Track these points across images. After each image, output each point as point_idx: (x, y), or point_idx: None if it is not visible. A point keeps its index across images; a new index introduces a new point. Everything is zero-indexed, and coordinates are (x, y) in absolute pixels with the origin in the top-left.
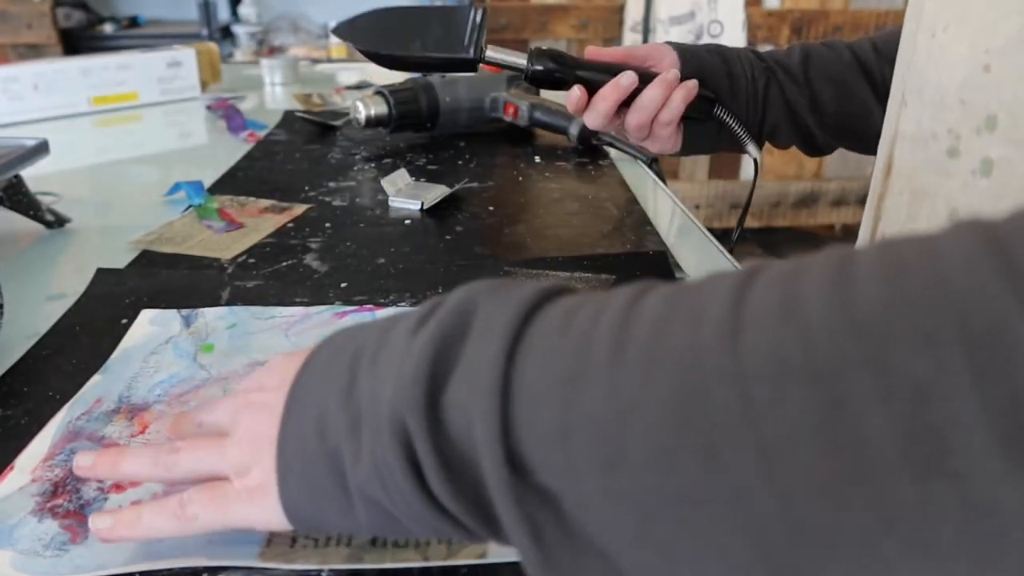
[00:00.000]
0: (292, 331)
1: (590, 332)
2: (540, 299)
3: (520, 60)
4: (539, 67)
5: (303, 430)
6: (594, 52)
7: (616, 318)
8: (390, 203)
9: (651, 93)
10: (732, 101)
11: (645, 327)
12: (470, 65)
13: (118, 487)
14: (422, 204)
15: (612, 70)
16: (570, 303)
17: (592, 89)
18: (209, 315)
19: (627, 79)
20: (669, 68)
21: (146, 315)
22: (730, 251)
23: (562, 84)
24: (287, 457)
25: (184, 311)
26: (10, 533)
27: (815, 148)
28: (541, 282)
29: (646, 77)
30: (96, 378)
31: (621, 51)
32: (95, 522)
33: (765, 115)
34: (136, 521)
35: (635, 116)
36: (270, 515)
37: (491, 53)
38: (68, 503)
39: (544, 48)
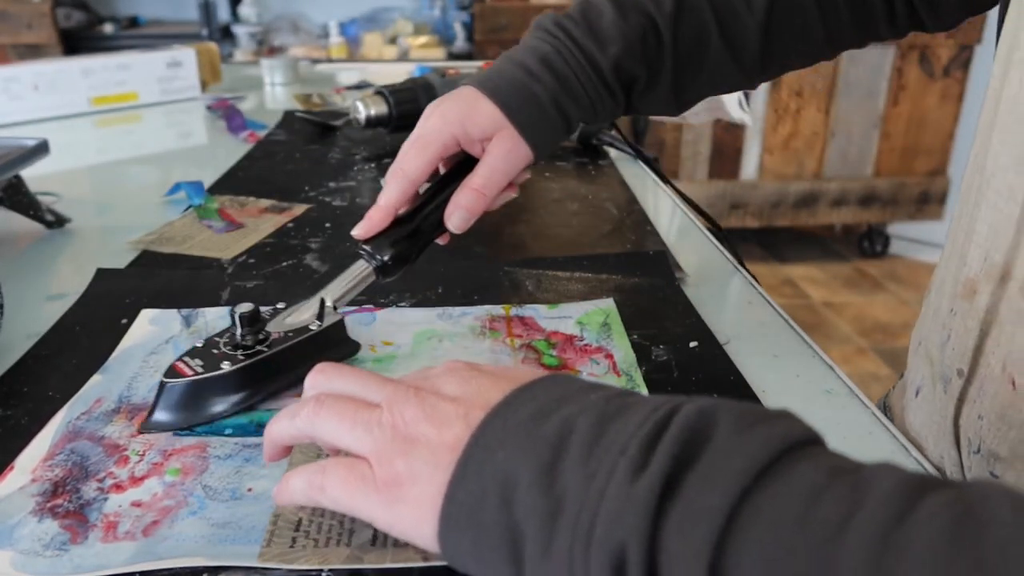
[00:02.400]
0: None
1: (836, 542)
2: (780, 452)
3: (360, 273)
4: (384, 257)
5: (485, 486)
6: (399, 185)
7: (873, 538)
8: None
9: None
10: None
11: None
12: (344, 342)
13: (118, 487)
14: None
15: (440, 203)
16: (815, 475)
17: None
18: (209, 315)
19: (456, 220)
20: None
21: (146, 315)
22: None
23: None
24: (458, 503)
25: (184, 311)
26: (10, 533)
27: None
28: (785, 420)
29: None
30: (96, 378)
31: (430, 163)
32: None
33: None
34: (283, 483)
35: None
36: (405, 526)
37: (332, 302)
38: (68, 503)
39: (373, 240)
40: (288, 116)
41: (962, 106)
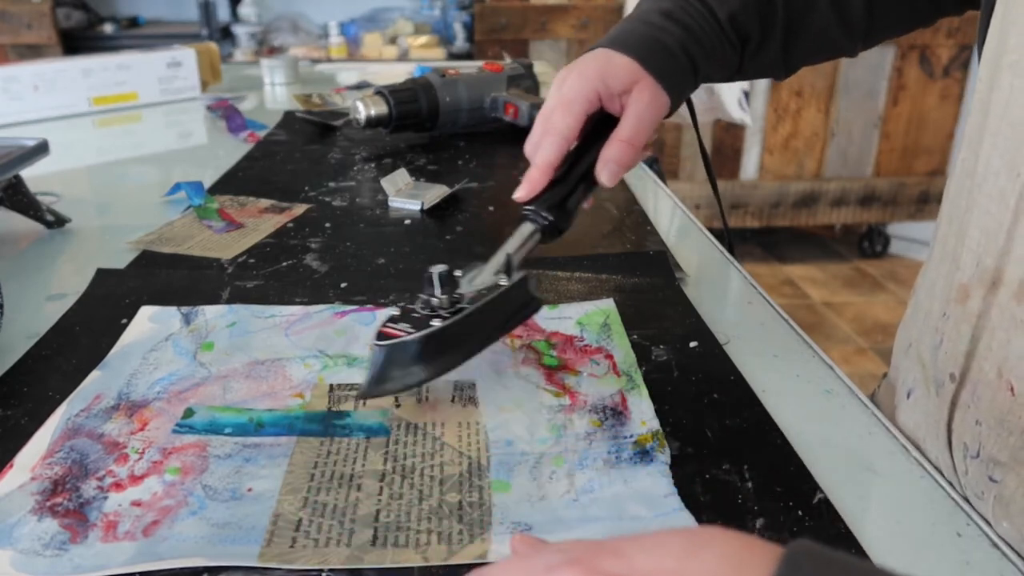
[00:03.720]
0: (292, 330)
1: None
2: None
3: (528, 234)
4: (550, 217)
5: None
6: (551, 139)
7: None
8: (390, 203)
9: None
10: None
11: None
12: (531, 301)
13: (118, 485)
14: (422, 204)
15: (591, 159)
16: None
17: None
18: (209, 313)
19: (607, 174)
20: (647, 107)
21: (146, 312)
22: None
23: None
24: None
25: (184, 309)
26: (10, 532)
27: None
28: None
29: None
30: (95, 374)
31: (578, 120)
32: None
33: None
34: None
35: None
36: None
37: (511, 254)
38: (68, 502)
39: (535, 201)
40: (288, 116)
41: (962, 106)
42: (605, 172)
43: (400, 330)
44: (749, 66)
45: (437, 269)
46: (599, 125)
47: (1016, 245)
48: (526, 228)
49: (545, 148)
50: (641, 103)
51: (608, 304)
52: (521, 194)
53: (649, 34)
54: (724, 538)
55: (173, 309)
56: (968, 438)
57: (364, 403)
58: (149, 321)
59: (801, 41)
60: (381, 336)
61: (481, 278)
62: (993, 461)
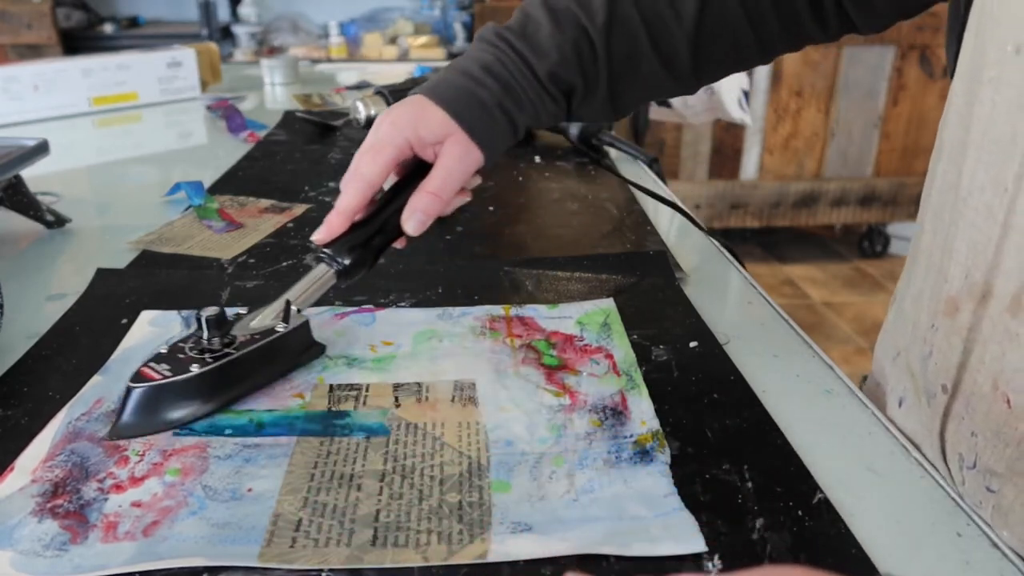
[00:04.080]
0: None
1: None
2: None
3: (321, 277)
4: (345, 261)
5: None
6: (352, 198)
7: None
8: None
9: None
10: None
11: None
12: (312, 346)
13: (118, 487)
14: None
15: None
16: None
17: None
18: None
19: (412, 224)
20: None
21: (146, 316)
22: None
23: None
24: None
25: (184, 312)
26: (10, 534)
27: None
28: None
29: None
30: (97, 379)
31: (385, 167)
32: None
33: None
34: None
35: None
36: None
37: (296, 306)
38: (68, 503)
39: (333, 244)
40: (288, 116)
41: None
42: (411, 222)
43: (159, 372)
44: (578, 111)
45: (206, 312)
46: (417, 170)
47: (1005, 259)
48: (320, 270)
49: (347, 193)
50: (451, 157)
51: (608, 304)
52: (318, 237)
53: (466, 87)
54: None
55: (173, 313)
56: (964, 449)
57: (364, 403)
58: (149, 325)
59: (627, 89)
60: (138, 376)
61: (259, 321)
62: (990, 472)
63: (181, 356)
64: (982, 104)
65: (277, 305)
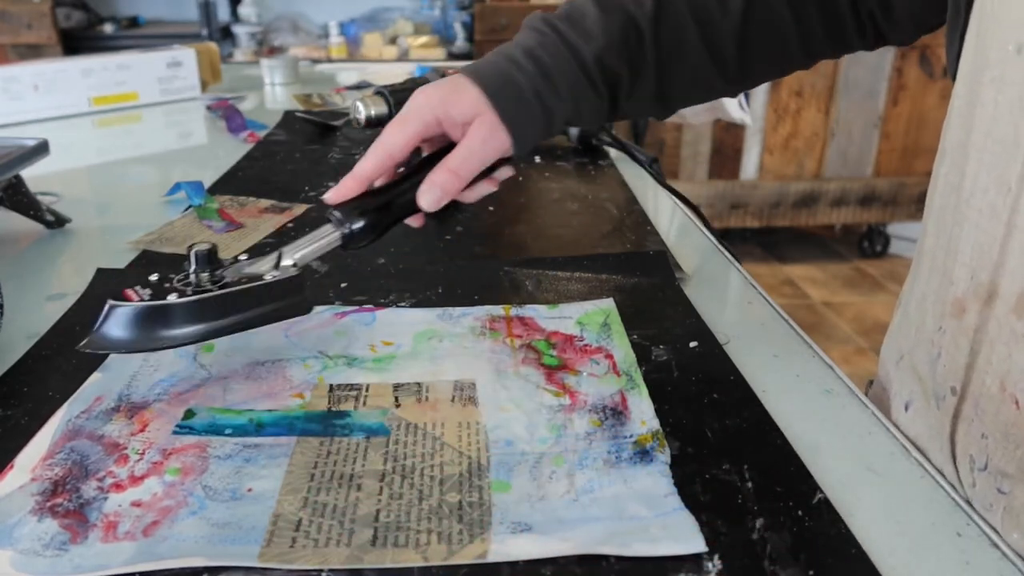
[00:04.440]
0: (292, 331)
1: None
2: None
3: (325, 236)
4: (353, 226)
5: None
6: (376, 163)
7: None
8: None
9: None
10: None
11: None
12: (301, 302)
13: (118, 486)
14: None
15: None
16: None
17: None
18: None
19: (428, 199)
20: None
21: None
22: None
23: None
24: None
25: None
26: (10, 533)
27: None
28: None
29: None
30: (96, 375)
31: (409, 139)
32: None
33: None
34: None
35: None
36: None
37: (293, 260)
38: (68, 502)
39: (344, 206)
40: (288, 116)
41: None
42: (427, 195)
43: (139, 295)
44: (625, 106)
45: (197, 247)
46: (442, 152)
47: (1010, 259)
48: (325, 229)
49: (367, 158)
50: (476, 137)
51: (608, 304)
52: (330, 196)
53: (506, 71)
54: None
55: None
56: (974, 451)
57: (364, 403)
58: None
59: (675, 81)
60: (119, 297)
61: (253, 268)
62: (1001, 473)
63: (166, 286)
64: (984, 105)
65: (275, 256)
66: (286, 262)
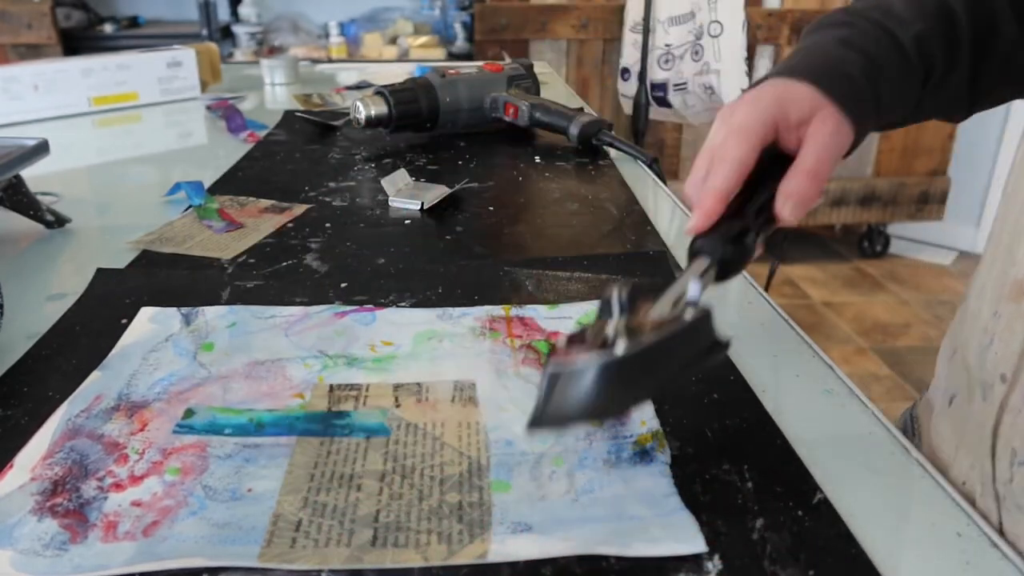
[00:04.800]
0: (292, 330)
1: None
2: None
3: (702, 270)
4: (726, 254)
5: None
6: (718, 185)
7: None
8: (390, 203)
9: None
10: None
11: None
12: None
13: (118, 486)
14: (422, 204)
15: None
16: None
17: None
18: (209, 314)
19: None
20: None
21: (146, 312)
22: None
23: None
24: None
25: (184, 309)
26: (9, 532)
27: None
28: None
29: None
30: (95, 374)
31: (755, 147)
32: None
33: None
34: None
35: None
36: None
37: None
38: (68, 502)
39: (710, 233)
40: (288, 116)
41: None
42: (788, 206)
43: (582, 352)
44: (930, 97)
45: (620, 290)
46: (769, 165)
47: None
48: (702, 263)
49: (719, 174)
50: (824, 133)
51: None
52: (696, 224)
53: (831, 63)
54: None
55: (173, 310)
56: (1017, 443)
57: (364, 403)
58: (149, 322)
59: (988, 66)
60: (555, 361)
61: (657, 309)
62: None
63: (588, 341)
64: None
65: (673, 292)
66: (689, 298)
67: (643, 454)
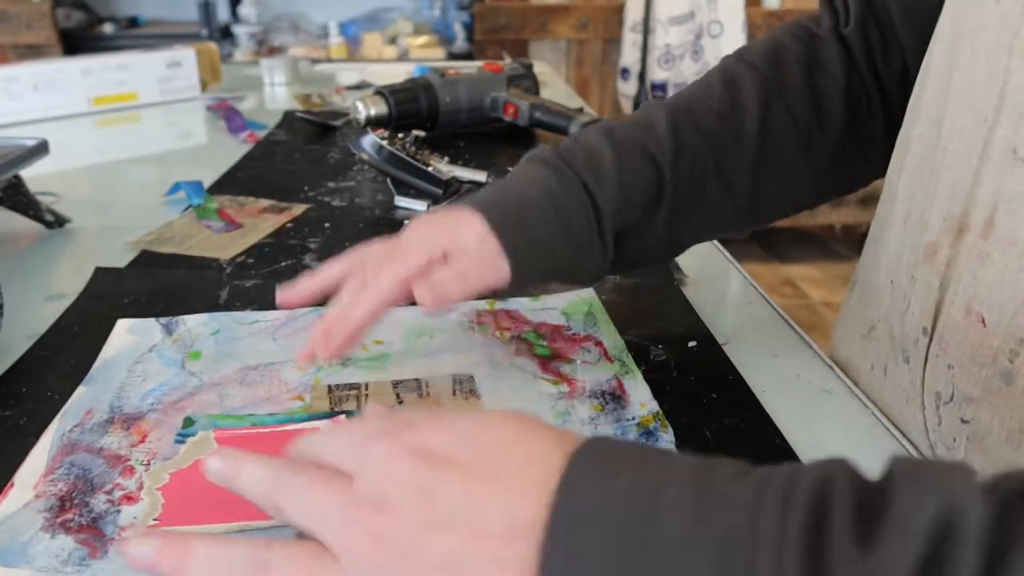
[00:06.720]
0: (279, 333)
1: None
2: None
3: None
4: None
5: None
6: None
7: None
8: (395, 203)
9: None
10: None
11: None
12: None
13: (129, 498)
14: (427, 205)
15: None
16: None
17: None
18: (190, 322)
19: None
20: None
21: (123, 324)
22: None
23: None
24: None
25: (163, 319)
26: (23, 551)
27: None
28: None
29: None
30: (81, 389)
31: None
32: (136, 549)
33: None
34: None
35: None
36: None
37: None
38: (79, 517)
39: None
40: (288, 116)
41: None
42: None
43: None
44: (628, 251)
45: None
46: None
47: (981, 188)
48: None
49: (359, 307)
50: (474, 259)
51: (589, 293)
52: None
53: (521, 211)
54: (512, 424)
55: (151, 320)
56: (941, 386)
57: (366, 402)
58: (128, 333)
59: (690, 220)
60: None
61: None
62: (966, 400)
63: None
64: (963, 55)
65: None
66: None
67: (648, 435)
